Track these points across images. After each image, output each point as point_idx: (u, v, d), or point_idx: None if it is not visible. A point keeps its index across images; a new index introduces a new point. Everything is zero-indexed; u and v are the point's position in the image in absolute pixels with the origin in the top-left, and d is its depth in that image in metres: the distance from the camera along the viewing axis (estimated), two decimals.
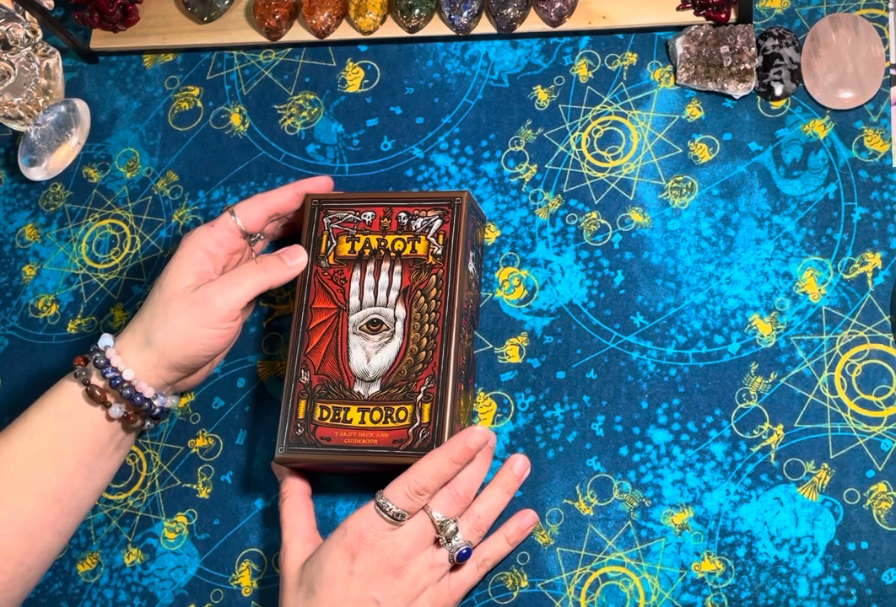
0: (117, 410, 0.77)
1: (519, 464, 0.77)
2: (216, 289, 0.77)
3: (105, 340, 0.78)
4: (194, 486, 0.84)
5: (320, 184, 0.84)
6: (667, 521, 0.76)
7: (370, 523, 0.71)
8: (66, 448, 0.77)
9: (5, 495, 0.76)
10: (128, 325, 0.79)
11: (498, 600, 0.77)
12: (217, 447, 0.85)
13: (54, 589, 0.84)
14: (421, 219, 0.79)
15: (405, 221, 0.80)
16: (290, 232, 0.87)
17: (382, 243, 0.79)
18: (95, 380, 0.77)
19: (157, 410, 0.79)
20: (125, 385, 0.77)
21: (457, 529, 0.72)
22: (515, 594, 0.77)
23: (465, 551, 0.72)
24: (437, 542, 0.72)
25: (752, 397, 0.77)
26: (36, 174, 0.95)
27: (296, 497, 0.78)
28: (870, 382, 0.76)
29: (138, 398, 0.77)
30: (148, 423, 0.81)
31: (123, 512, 0.85)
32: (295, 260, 0.80)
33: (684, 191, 0.83)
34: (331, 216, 0.81)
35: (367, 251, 0.79)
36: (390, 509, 0.71)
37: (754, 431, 0.77)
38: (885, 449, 0.74)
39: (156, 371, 0.78)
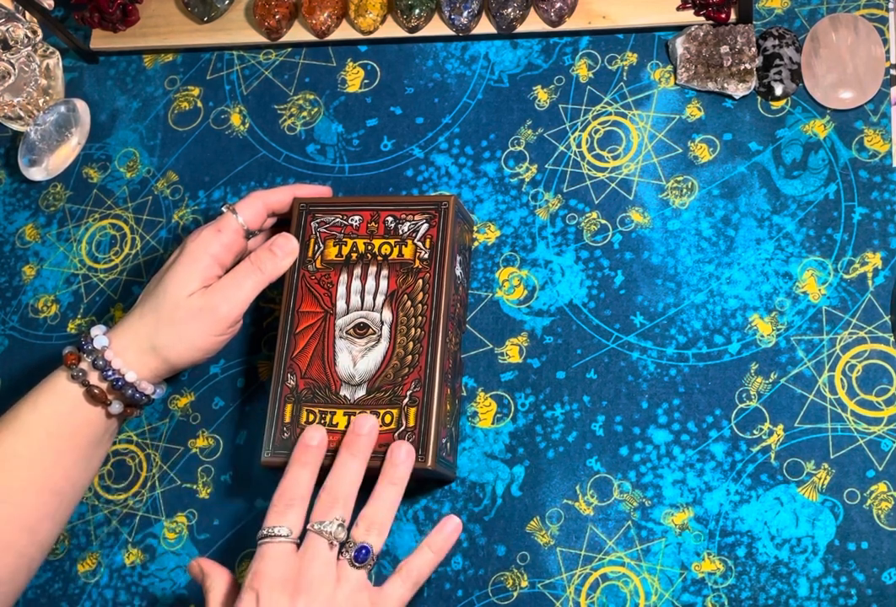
0: (117, 407, 0.78)
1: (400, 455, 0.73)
2: (220, 297, 0.77)
3: (101, 340, 0.78)
4: (194, 486, 0.84)
5: (319, 192, 0.84)
6: (667, 521, 0.76)
7: (264, 555, 0.69)
8: (65, 444, 0.77)
9: (7, 492, 0.76)
10: (126, 324, 0.79)
11: (498, 600, 0.77)
12: (217, 447, 0.85)
13: (54, 589, 0.84)
14: (408, 223, 0.79)
15: (392, 225, 0.80)
16: None
17: (369, 247, 0.79)
18: (95, 381, 0.77)
19: (153, 401, 0.81)
20: (127, 386, 0.77)
21: (342, 529, 0.69)
22: (515, 594, 0.77)
23: (363, 551, 0.69)
24: (340, 555, 0.69)
25: (753, 397, 0.77)
26: (36, 174, 0.95)
27: (217, 591, 0.72)
28: (870, 382, 0.76)
29: (139, 395, 0.78)
30: (138, 411, 0.81)
31: (123, 513, 0.85)
32: (285, 249, 0.80)
33: (684, 191, 0.83)
34: (318, 220, 0.81)
35: (354, 255, 0.79)
36: (277, 531, 0.69)
37: (754, 431, 0.76)
38: (885, 449, 0.74)
39: (156, 371, 0.79)
